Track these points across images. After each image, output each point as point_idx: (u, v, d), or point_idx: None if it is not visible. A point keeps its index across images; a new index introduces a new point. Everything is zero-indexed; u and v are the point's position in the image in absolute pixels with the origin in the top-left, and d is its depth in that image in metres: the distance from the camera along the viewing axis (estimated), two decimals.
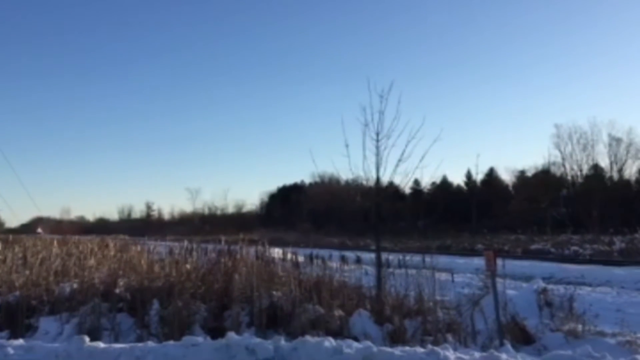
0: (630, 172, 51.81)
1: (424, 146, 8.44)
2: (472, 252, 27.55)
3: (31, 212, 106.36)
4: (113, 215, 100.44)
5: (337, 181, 59.13)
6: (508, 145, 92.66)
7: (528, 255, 26.33)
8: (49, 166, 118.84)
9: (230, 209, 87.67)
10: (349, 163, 8.84)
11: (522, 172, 59.08)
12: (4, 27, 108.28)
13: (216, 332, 6.57)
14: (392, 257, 9.34)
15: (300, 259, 10.05)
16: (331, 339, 5.43)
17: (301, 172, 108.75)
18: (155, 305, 7.28)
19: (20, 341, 5.69)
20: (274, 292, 7.65)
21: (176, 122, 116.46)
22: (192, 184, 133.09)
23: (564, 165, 54.28)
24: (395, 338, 6.69)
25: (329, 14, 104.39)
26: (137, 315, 7.29)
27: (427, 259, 8.72)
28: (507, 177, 62.23)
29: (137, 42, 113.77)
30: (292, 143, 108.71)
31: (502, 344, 6.10)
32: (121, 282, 8.24)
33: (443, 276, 9.68)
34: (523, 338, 6.89)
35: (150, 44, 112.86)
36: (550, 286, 9.15)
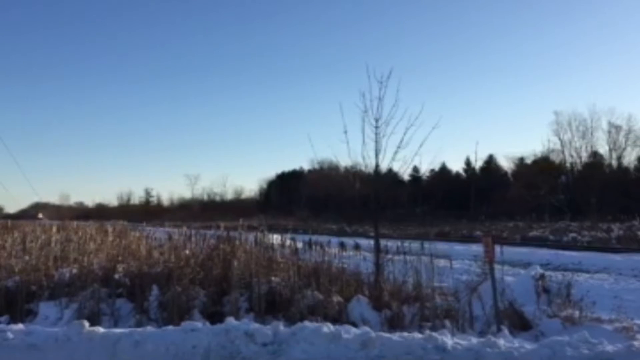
0: (629, 160, 52.01)
1: (423, 133, 8.43)
2: (470, 239, 27.62)
3: (30, 198, 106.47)
4: (112, 201, 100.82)
5: (336, 168, 59.11)
6: (507, 133, 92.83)
7: (526, 242, 26.39)
8: (48, 152, 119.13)
9: (229, 196, 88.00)
10: (347, 149, 8.83)
11: (521, 159, 59.13)
12: (5, 18, 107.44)
13: (215, 317, 6.60)
14: (391, 244, 9.33)
15: (299, 245, 10.03)
16: (330, 325, 5.45)
17: (300, 159, 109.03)
18: (155, 290, 7.29)
19: (20, 326, 5.69)
20: (273, 278, 7.67)
21: (175, 109, 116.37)
22: (191, 170, 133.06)
23: (563, 153, 54.42)
24: (394, 324, 6.73)
25: (329, 2, 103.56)
26: (136, 300, 7.31)
27: (426, 245, 8.72)
28: (506, 164, 62.36)
29: (137, 32, 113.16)
30: (291, 130, 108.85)
31: (499, 330, 6.13)
32: (120, 268, 8.25)
33: (441, 263, 9.68)
34: (520, 324, 6.92)
35: (150, 33, 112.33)
36: (548, 273, 9.17)
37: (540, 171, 51.13)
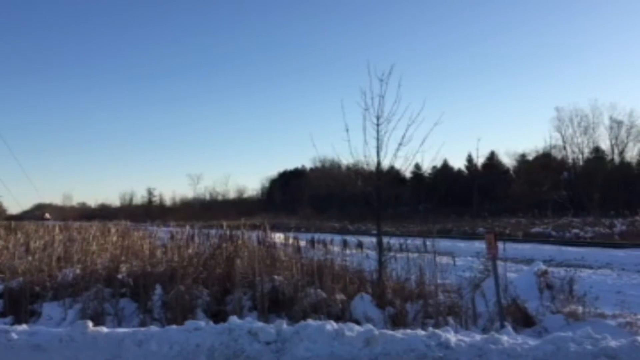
0: (631, 155, 51.91)
1: (424, 130, 8.36)
2: (473, 236, 27.59)
3: (33, 199, 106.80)
4: (115, 201, 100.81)
5: (338, 166, 58.92)
6: (509, 129, 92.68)
7: (529, 238, 26.35)
8: (50, 153, 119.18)
9: (232, 195, 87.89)
10: (349, 147, 8.80)
11: (523, 156, 59.00)
12: (8, 18, 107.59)
13: (218, 316, 6.61)
14: (394, 241, 9.33)
15: (302, 243, 10.05)
16: (333, 323, 5.45)
17: (302, 157, 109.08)
18: (158, 290, 7.31)
19: (24, 326, 5.70)
20: (276, 277, 7.68)
21: (177, 108, 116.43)
22: (193, 169, 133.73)
23: (564, 149, 54.32)
24: (397, 321, 6.73)
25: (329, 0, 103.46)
26: (139, 300, 7.32)
27: (428, 242, 8.72)
28: (508, 160, 62.23)
29: (138, 31, 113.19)
30: (293, 128, 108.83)
31: (503, 326, 6.12)
32: (123, 268, 8.27)
33: (444, 260, 9.72)
34: (524, 320, 6.93)
35: (151, 32, 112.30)
36: (551, 269, 9.18)
37: (542, 167, 51.00)
